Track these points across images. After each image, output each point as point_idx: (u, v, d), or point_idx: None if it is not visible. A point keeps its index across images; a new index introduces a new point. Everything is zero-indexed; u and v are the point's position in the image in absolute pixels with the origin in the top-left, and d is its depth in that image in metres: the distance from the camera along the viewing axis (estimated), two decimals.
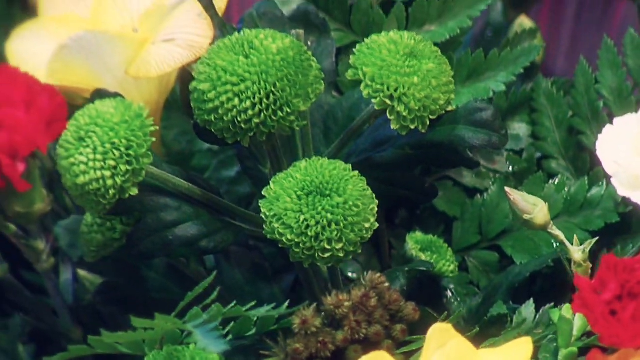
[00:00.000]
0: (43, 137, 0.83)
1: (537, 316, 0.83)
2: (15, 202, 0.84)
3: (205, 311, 0.80)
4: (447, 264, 0.87)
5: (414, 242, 0.87)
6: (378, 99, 0.82)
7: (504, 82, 0.88)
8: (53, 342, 0.88)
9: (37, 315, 0.89)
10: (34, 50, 0.85)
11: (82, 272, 0.89)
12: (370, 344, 0.80)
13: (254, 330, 0.81)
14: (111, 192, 0.81)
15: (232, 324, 0.81)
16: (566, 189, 0.88)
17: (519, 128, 0.91)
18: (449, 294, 0.87)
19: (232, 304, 0.80)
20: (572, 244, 0.82)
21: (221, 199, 0.86)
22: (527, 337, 0.80)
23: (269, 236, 0.81)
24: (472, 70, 0.88)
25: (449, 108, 0.83)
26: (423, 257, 0.87)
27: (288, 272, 0.87)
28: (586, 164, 0.89)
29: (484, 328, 0.83)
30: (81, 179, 0.81)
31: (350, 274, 0.87)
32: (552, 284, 0.85)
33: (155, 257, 0.87)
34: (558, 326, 0.80)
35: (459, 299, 0.87)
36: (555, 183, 0.89)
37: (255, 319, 0.81)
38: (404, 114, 0.82)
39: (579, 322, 0.79)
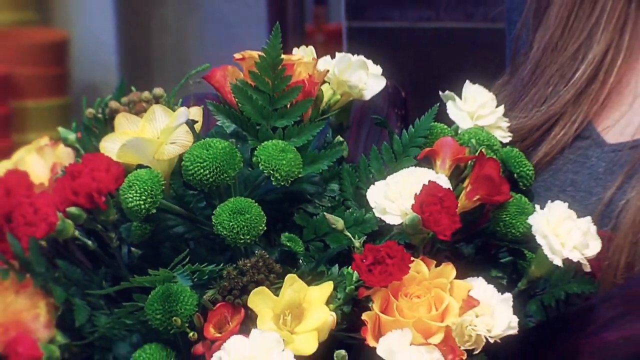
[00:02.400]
0: (113, 185, 0.81)
1: (338, 272, 0.81)
2: (101, 215, 0.82)
3: (183, 268, 0.78)
4: (300, 248, 0.84)
5: (284, 237, 0.84)
6: (267, 171, 0.80)
7: (327, 165, 0.86)
8: (118, 280, 0.84)
9: (110, 267, 0.86)
10: (112, 146, 0.84)
11: (132, 248, 0.86)
12: (258, 284, 0.78)
13: (206, 276, 0.79)
14: (143, 211, 0.79)
15: (197, 273, 0.79)
16: (355, 215, 0.85)
17: (334, 186, 0.87)
18: (301, 261, 0.84)
19: (196, 265, 0.78)
20: (355, 239, 0.81)
21: (196, 216, 0.84)
22: (330, 281, 0.79)
23: (217, 232, 0.79)
24: (311, 159, 0.86)
25: (300, 175, 0.82)
26: (288, 244, 0.84)
27: (227, 250, 0.83)
28: (364, 203, 0.85)
29: (314, 277, 0.81)
30: (130, 205, 0.79)
31: (255, 251, 0.83)
32: (346, 256, 0.82)
33: (164, 242, 0.84)
34: (346, 276, 0.78)
35: (305, 264, 0.83)
36: (350, 211, 0.86)
37: (207, 271, 0.79)
38: (279, 178, 0.80)
39: (355, 274, 0.77)
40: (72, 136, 0.89)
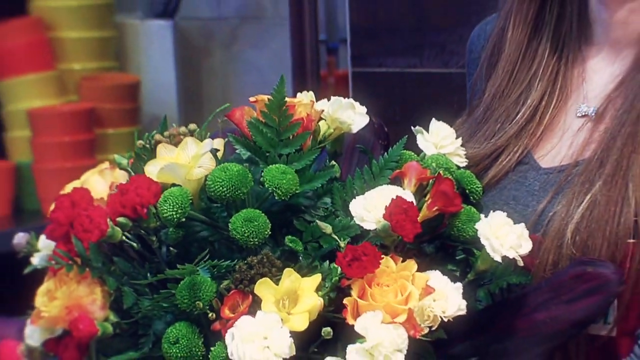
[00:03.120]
0: (153, 200, 0.81)
1: (327, 267, 0.80)
2: (143, 223, 0.82)
3: (205, 263, 0.78)
4: (299, 247, 0.83)
5: (288, 239, 0.83)
6: (270, 188, 0.80)
7: (321, 183, 0.85)
8: (158, 273, 0.83)
9: (153, 262, 0.85)
10: (153, 169, 0.84)
11: (170, 248, 0.85)
12: (263, 276, 0.78)
13: (223, 270, 0.79)
14: (175, 219, 0.79)
15: (216, 267, 0.79)
16: (342, 222, 0.85)
17: (326, 200, 0.87)
18: (300, 257, 0.83)
19: (215, 261, 0.78)
20: (341, 240, 0.80)
21: (217, 223, 0.83)
22: (319, 274, 0.78)
23: (232, 236, 0.79)
24: (308, 179, 0.85)
25: (297, 191, 0.81)
26: (292, 245, 0.83)
27: (242, 250, 0.83)
28: (349, 213, 0.84)
29: (309, 270, 0.81)
30: (165, 215, 0.79)
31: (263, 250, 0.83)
32: (333, 255, 0.81)
33: (193, 243, 0.84)
34: (332, 270, 0.78)
35: (305, 259, 0.83)
36: (339, 219, 0.85)
37: (223, 266, 0.79)
38: (280, 194, 0.80)
39: (338, 268, 0.77)
40: (124, 161, 0.89)
